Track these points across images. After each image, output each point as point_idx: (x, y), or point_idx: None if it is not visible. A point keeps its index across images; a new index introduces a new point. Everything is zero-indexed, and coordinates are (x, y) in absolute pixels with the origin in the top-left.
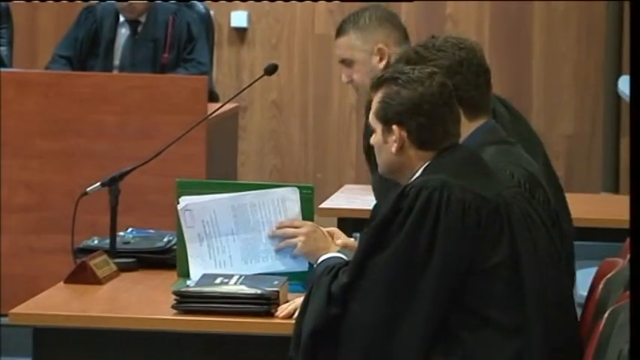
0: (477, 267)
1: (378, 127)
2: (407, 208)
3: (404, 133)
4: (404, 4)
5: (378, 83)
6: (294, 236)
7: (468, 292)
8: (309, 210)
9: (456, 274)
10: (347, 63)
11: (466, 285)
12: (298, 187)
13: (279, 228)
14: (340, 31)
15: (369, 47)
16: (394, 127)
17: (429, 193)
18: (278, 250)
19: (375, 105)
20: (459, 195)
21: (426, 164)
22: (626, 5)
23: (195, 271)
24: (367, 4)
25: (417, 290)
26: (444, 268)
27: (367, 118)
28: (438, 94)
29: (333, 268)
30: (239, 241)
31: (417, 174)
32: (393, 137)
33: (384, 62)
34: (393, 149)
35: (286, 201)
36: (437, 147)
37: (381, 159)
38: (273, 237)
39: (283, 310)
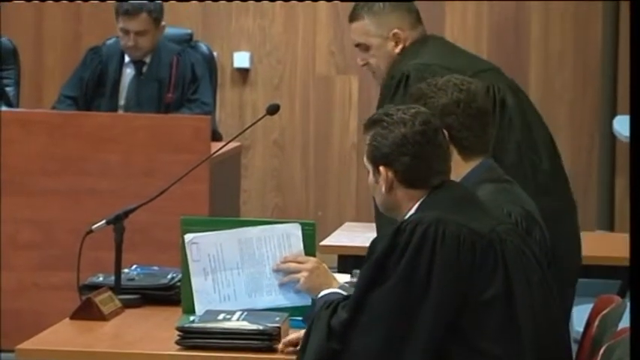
0: (472, 300)
1: (369, 168)
2: (403, 243)
3: (391, 174)
4: None
5: (367, 125)
6: (297, 271)
7: (464, 324)
8: (310, 246)
9: (451, 307)
10: (362, 47)
11: (462, 318)
12: (300, 224)
13: (283, 263)
14: (354, 16)
15: (384, 32)
16: (381, 168)
17: (424, 228)
18: (282, 285)
19: (365, 147)
20: (454, 230)
21: (420, 201)
22: (622, 46)
23: (200, 306)
24: None
25: (415, 324)
26: (440, 302)
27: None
28: (420, 134)
29: (332, 303)
30: (244, 275)
31: (412, 210)
32: (382, 178)
33: (399, 47)
34: (383, 189)
35: (291, 236)
36: (425, 185)
37: (376, 199)
38: (277, 271)
39: (286, 340)
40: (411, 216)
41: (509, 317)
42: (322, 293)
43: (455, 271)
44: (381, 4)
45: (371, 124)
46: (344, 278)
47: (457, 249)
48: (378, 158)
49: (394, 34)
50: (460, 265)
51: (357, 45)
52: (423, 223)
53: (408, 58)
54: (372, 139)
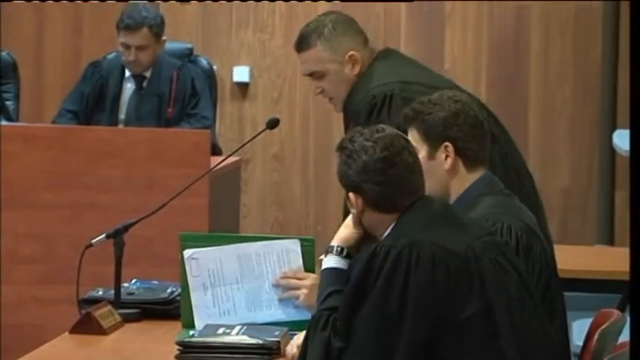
0: (450, 320)
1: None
2: (377, 267)
3: (360, 201)
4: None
5: (336, 150)
6: (297, 287)
7: (444, 344)
8: (310, 262)
9: (428, 329)
10: (317, 75)
11: (441, 338)
12: (299, 239)
13: (282, 279)
14: (304, 45)
15: (339, 57)
16: (350, 195)
17: (398, 251)
18: (281, 300)
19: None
20: (428, 252)
21: (394, 222)
22: (621, 60)
23: (200, 321)
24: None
25: (395, 346)
26: (416, 325)
27: (345, 126)
28: (381, 160)
29: (327, 321)
30: (243, 291)
31: (387, 231)
32: (353, 204)
33: (357, 68)
34: (357, 214)
35: (290, 252)
36: (397, 207)
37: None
38: (276, 286)
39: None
40: (386, 237)
41: (489, 333)
42: (325, 265)
43: (429, 293)
44: (329, 27)
45: (338, 149)
46: None
47: (431, 271)
48: (345, 185)
49: (350, 57)
50: (435, 287)
51: (311, 74)
52: (397, 246)
53: (375, 76)
54: (339, 166)
